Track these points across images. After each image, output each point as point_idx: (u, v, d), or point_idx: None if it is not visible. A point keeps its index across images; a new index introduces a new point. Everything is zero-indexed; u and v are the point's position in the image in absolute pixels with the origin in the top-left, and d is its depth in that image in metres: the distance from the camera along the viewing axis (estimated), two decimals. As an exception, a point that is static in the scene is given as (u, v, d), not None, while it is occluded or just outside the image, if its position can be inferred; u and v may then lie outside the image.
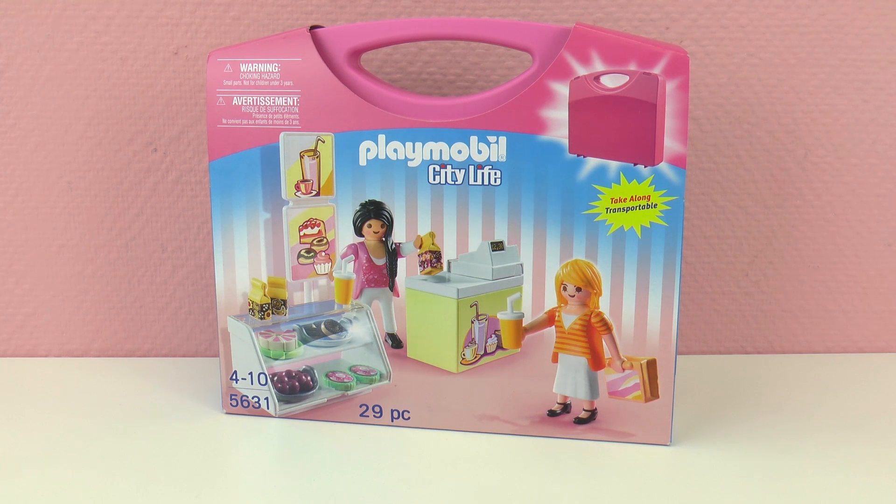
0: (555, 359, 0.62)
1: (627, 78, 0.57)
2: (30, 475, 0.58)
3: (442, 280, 0.62)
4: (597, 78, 0.57)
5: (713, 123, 0.75)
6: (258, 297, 0.65)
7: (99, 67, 0.74)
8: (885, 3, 0.73)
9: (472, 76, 0.75)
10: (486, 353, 0.63)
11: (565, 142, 0.59)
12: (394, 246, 0.63)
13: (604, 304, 0.61)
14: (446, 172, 0.60)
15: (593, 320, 0.61)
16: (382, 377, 0.65)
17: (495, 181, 0.60)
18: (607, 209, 0.59)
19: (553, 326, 0.62)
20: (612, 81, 0.57)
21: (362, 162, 0.61)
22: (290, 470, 0.59)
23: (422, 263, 0.63)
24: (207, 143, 0.63)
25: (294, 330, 0.65)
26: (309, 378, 0.66)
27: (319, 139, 0.62)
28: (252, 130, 0.62)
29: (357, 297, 0.64)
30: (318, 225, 0.63)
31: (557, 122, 0.58)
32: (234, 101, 0.62)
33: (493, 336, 0.63)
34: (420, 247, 0.62)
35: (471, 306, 0.63)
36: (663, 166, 0.58)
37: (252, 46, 0.62)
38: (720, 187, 0.77)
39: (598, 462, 0.60)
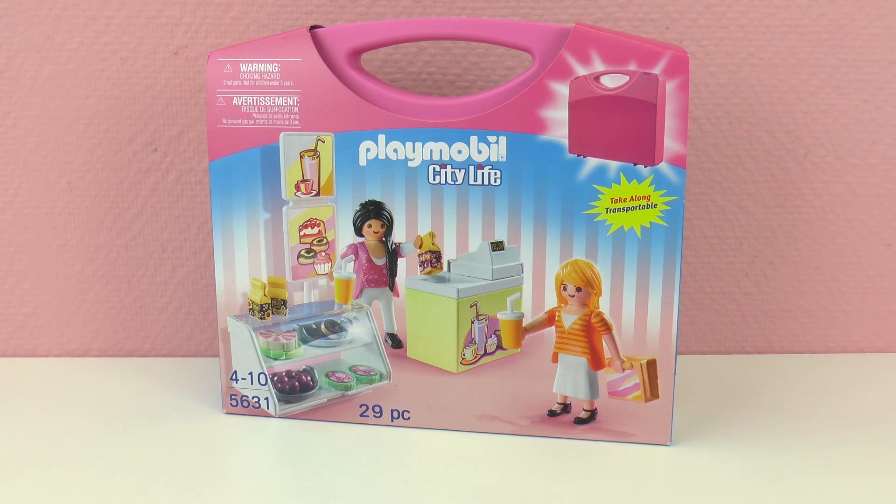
0: (555, 359, 0.62)
1: (627, 78, 0.57)
2: (30, 475, 0.58)
3: (442, 280, 0.62)
4: (597, 78, 0.57)
5: (713, 123, 0.75)
6: (258, 297, 0.65)
7: (99, 67, 0.75)
8: (885, 3, 0.73)
9: (472, 76, 0.75)
10: (486, 353, 0.63)
11: (565, 142, 0.59)
12: (394, 246, 0.63)
13: (604, 304, 0.61)
14: (446, 172, 0.60)
15: (593, 320, 0.61)
16: (382, 377, 0.65)
17: (495, 181, 0.60)
18: (607, 209, 0.59)
19: (553, 326, 0.62)
20: (612, 81, 0.57)
21: (362, 162, 0.61)
22: (290, 470, 0.59)
23: (422, 263, 0.63)
24: (207, 143, 0.63)
25: (294, 330, 0.65)
26: (309, 378, 0.66)
27: (319, 139, 0.62)
28: (252, 130, 0.62)
29: (357, 297, 0.64)
30: (318, 225, 0.63)
31: (557, 122, 0.58)
32: (234, 101, 0.62)
33: (493, 336, 0.63)
34: (420, 247, 0.62)
35: (471, 306, 0.63)
36: (663, 166, 0.58)
37: (252, 46, 0.62)
38: (720, 187, 0.77)
39: (598, 462, 0.60)
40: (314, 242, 0.64)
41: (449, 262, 0.62)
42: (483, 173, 0.60)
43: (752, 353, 0.80)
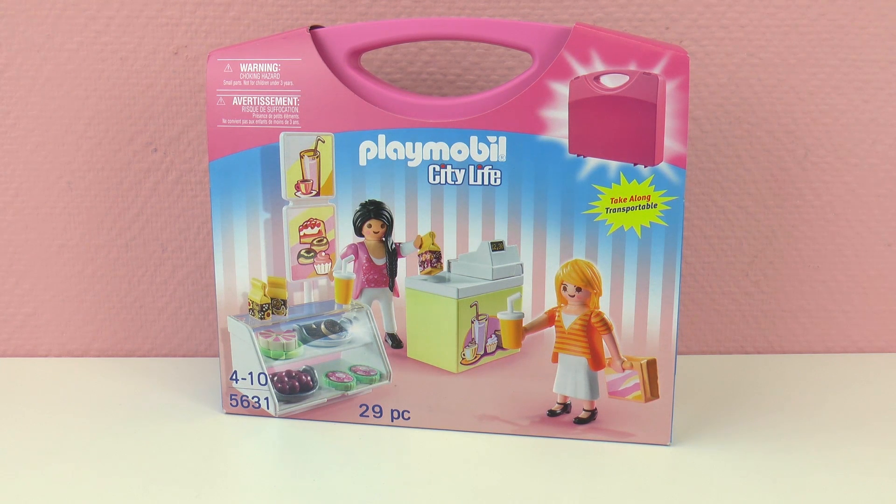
0: (555, 359, 0.62)
1: (627, 78, 0.57)
2: (30, 475, 0.58)
3: (442, 280, 0.62)
4: (597, 78, 0.57)
5: (713, 123, 0.75)
6: (258, 297, 0.65)
7: (99, 67, 0.75)
8: (885, 3, 0.73)
9: (472, 76, 0.75)
10: (486, 353, 0.63)
11: (565, 142, 0.59)
12: (394, 246, 0.63)
13: (604, 304, 0.61)
14: (446, 172, 0.60)
15: (593, 320, 0.61)
16: (382, 377, 0.65)
17: (495, 181, 0.60)
18: (607, 209, 0.59)
19: (553, 326, 0.62)
20: (612, 81, 0.57)
21: (362, 162, 0.61)
22: (290, 470, 0.59)
23: (422, 263, 0.63)
24: (207, 143, 0.63)
25: (294, 330, 0.65)
26: (309, 378, 0.66)
27: (319, 139, 0.62)
28: (252, 130, 0.62)
29: (357, 297, 0.64)
30: (318, 225, 0.63)
31: (557, 122, 0.58)
32: (234, 101, 0.62)
33: (493, 336, 0.63)
34: (420, 247, 0.62)
35: (471, 306, 0.63)
36: (663, 166, 0.58)
37: (252, 46, 0.62)
38: (720, 187, 0.77)
39: (598, 462, 0.60)
40: (314, 242, 0.64)
41: (449, 262, 0.62)
42: (483, 173, 0.60)
43: (752, 353, 0.80)
